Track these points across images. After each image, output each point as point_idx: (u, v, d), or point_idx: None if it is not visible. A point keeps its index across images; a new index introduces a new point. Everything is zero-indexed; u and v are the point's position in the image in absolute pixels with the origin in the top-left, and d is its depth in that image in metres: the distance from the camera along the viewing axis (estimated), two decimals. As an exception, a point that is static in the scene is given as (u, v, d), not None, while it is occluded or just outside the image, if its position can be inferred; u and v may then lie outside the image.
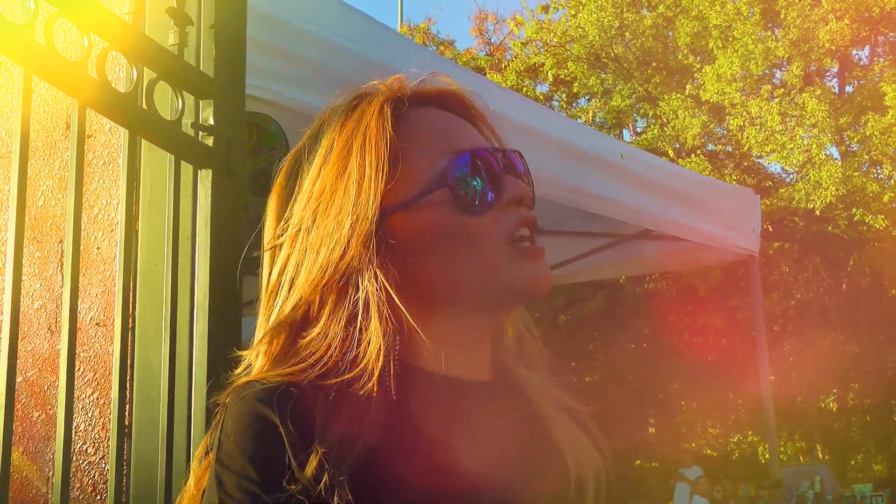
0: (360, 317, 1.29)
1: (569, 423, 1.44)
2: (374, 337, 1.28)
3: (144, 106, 2.17)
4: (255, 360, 1.36)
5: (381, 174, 1.31)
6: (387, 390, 1.26)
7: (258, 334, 1.37)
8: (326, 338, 1.30)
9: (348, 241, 1.30)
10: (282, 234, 1.37)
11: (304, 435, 1.20)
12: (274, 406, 1.22)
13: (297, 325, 1.33)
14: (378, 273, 1.29)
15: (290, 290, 1.34)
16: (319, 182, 1.35)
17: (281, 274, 1.36)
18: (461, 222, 1.33)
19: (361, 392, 1.25)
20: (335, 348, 1.29)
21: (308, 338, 1.32)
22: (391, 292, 1.29)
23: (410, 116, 1.39)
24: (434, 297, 1.35)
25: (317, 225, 1.33)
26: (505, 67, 26.72)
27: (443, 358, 1.34)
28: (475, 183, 1.35)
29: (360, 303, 1.29)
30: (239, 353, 1.40)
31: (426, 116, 1.41)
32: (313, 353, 1.29)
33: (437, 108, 1.44)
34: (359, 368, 1.27)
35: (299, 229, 1.35)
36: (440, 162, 1.35)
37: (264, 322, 1.36)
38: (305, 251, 1.34)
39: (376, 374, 1.26)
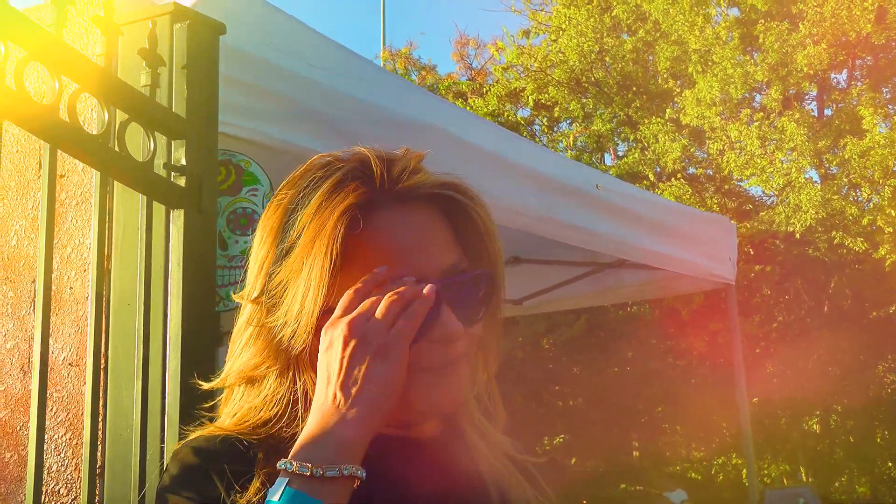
0: (298, 403, 1.39)
1: (505, 466, 1.54)
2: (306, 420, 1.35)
3: (116, 147, 2.19)
4: (220, 410, 1.47)
5: (323, 282, 1.34)
6: None
7: (223, 375, 1.45)
8: (265, 405, 1.41)
9: (294, 333, 1.36)
10: (256, 291, 1.43)
11: (235, 478, 1.30)
12: (209, 456, 1.34)
13: (247, 379, 1.42)
14: (310, 372, 1.38)
15: (242, 348, 1.42)
16: (286, 263, 1.39)
17: (243, 328, 1.44)
18: None
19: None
20: (275, 413, 1.40)
21: (252, 399, 1.42)
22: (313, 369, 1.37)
23: (375, 221, 1.38)
24: None
25: (277, 304, 1.39)
26: (486, 92, 26.75)
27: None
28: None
29: (298, 391, 1.39)
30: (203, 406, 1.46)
31: (388, 226, 1.39)
32: (258, 412, 1.40)
33: (407, 209, 1.41)
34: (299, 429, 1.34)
35: (265, 296, 1.41)
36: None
37: (227, 364, 1.45)
38: (263, 320, 1.41)
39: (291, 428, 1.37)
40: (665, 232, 5.99)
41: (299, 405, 1.38)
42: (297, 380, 1.39)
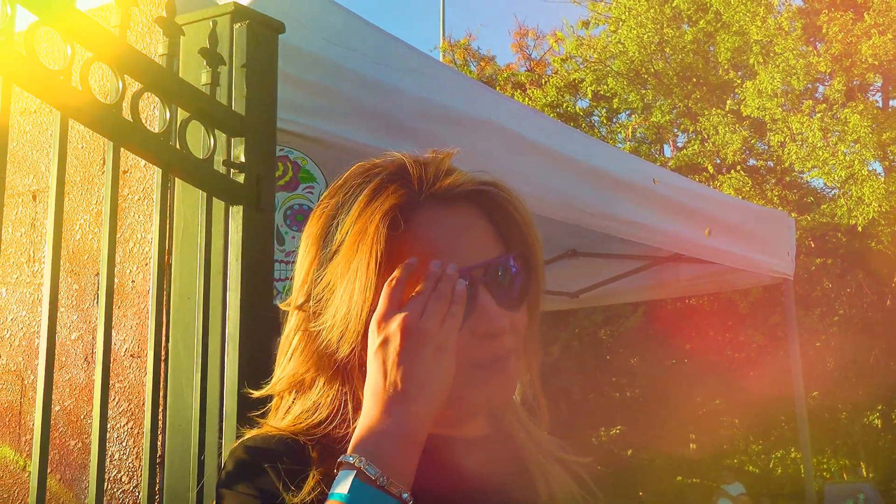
0: (348, 405, 1.42)
1: (551, 465, 1.54)
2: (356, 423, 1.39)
3: (177, 145, 2.23)
4: (270, 416, 1.51)
5: (370, 282, 1.38)
6: None
7: (272, 382, 1.50)
8: (318, 409, 1.44)
9: (342, 335, 1.40)
10: (302, 298, 1.47)
11: (291, 476, 1.33)
12: (265, 454, 1.38)
13: (297, 386, 1.46)
14: (359, 375, 1.41)
15: (290, 356, 1.47)
16: (331, 267, 1.43)
17: (290, 335, 1.48)
18: None
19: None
20: (327, 416, 1.43)
21: (304, 403, 1.45)
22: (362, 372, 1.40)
23: (415, 221, 1.41)
24: None
25: (323, 308, 1.43)
26: (545, 83, 26.66)
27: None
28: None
29: (348, 395, 1.43)
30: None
31: (429, 224, 1.42)
32: (311, 415, 1.44)
33: (446, 208, 1.44)
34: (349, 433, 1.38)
35: (311, 301, 1.45)
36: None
37: (277, 372, 1.49)
38: (309, 327, 1.45)
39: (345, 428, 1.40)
40: (722, 226, 5.95)
41: (349, 407, 1.41)
42: (346, 383, 1.43)
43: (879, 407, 21.61)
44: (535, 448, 1.55)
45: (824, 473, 22.38)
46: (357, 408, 1.38)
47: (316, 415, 1.43)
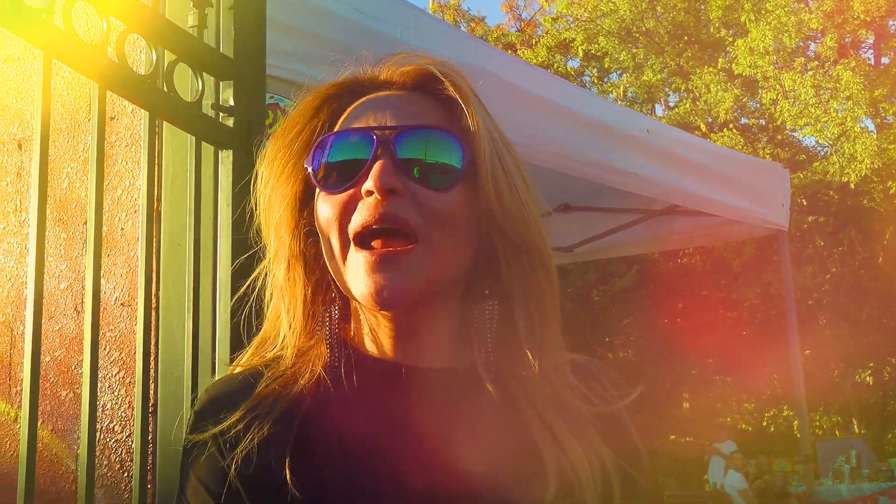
0: (283, 302, 1.41)
1: (557, 423, 1.32)
2: (286, 320, 1.39)
3: (165, 88, 2.19)
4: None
5: (298, 169, 1.39)
6: (317, 372, 1.35)
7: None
8: (273, 327, 1.43)
9: (280, 237, 1.40)
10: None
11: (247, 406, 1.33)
12: (226, 389, 1.40)
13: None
14: (297, 265, 1.40)
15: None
16: (270, 170, 1.42)
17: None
18: (322, 208, 1.34)
19: (301, 372, 1.36)
20: (273, 335, 1.43)
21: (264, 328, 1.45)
22: (307, 270, 1.40)
23: (351, 104, 1.40)
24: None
25: (267, 218, 1.43)
26: (536, 43, 26.58)
27: (379, 343, 1.37)
28: (327, 164, 1.34)
29: (282, 291, 1.41)
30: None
31: (362, 103, 1.39)
32: (267, 341, 1.44)
33: (384, 92, 1.40)
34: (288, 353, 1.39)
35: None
36: None
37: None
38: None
39: (289, 353, 1.38)
40: (717, 178, 5.94)
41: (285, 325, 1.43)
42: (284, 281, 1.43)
43: (871, 364, 21.74)
44: (531, 394, 1.34)
45: (816, 430, 22.50)
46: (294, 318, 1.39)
47: (273, 340, 1.43)
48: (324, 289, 1.41)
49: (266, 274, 1.43)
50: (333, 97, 1.41)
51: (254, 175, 1.43)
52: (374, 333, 1.36)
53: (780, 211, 6.66)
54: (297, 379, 1.34)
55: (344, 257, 1.31)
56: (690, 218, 6.74)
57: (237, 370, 1.43)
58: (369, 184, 1.26)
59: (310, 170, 1.34)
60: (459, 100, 1.33)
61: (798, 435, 22.50)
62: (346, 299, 1.38)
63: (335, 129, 1.38)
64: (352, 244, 1.30)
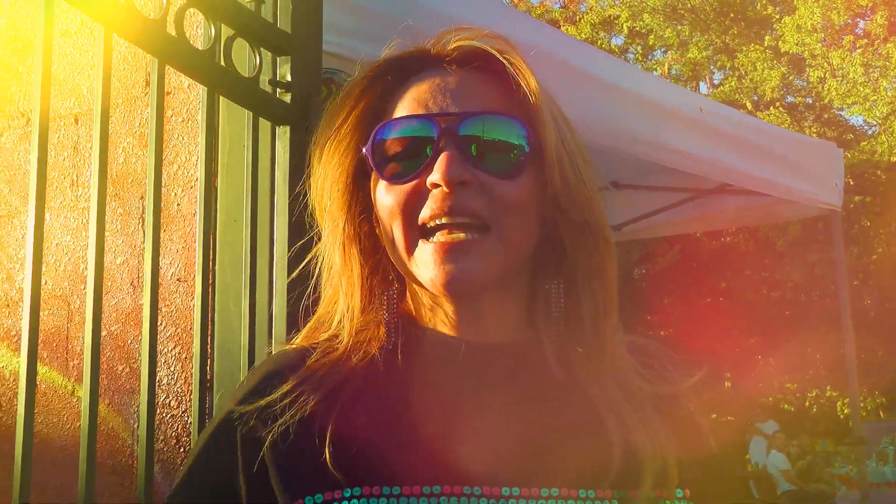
0: (341, 285, 1.38)
1: (619, 400, 1.30)
2: (344, 302, 1.37)
3: (222, 63, 2.18)
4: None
5: (351, 151, 1.35)
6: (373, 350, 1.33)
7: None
8: (329, 309, 1.41)
9: (334, 219, 1.37)
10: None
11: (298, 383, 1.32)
12: (274, 366, 1.38)
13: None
14: (351, 247, 1.37)
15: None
16: (323, 151, 1.39)
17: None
18: (384, 197, 1.31)
19: (355, 351, 1.34)
20: (330, 317, 1.40)
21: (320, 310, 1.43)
22: (363, 251, 1.37)
23: (408, 79, 1.35)
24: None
25: (320, 199, 1.40)
26: (579, 20, 26.42)
27: (440, 321, 1.35)
28: (388, 153, 1.30)
29: (339, 273, 1.39)
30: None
31: (419, 81, 1.34)
32: (323, 323, 1.41)
33: (443, 69, 1.34)
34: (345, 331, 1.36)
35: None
36: None
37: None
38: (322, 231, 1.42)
39: (345, 337, 1.35)
40: (770, 157, 5.86)
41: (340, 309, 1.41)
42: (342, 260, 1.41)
43: (918, 345, 21.53)
44: (594, 373, 1.31)
45: (861, 412, 22.35)
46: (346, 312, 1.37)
47: (330, 319, 1.41)
48: (381, 269, 1.38)
49: (321, 255, 1.41)
50: (387, 73, 1.36)
51: (308, 156, 1.41)
52: (436, 311, 1.35)
53: (834, 191, 6.58)
54: (350, 357, 1.33)
55: (409, 247, 1.28)
56: (741, 197, 6.66)
57: (290, 347, 1.42)
58: (436, 176, 1.23)
59: (369, 158, 1.31)
60: (520, 79, 1.28)
61: (841, 416, 22.45)
62: (402, 278, 1.37)
63: (393, 112, 1.33)
64: (419, 234, 1.27)
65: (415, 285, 1.34)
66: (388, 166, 1.30)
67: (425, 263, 1.26)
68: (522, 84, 1.28)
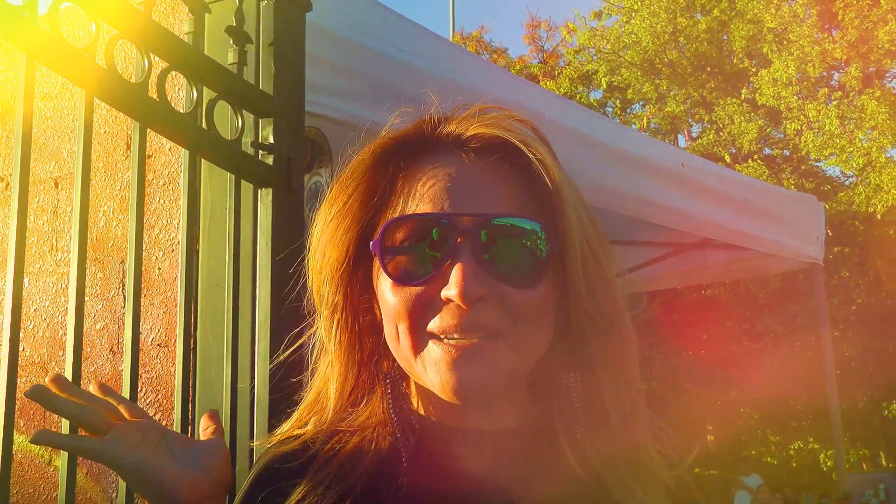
0: (334, 373, 1.34)
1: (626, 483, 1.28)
2: (338, 392, 1.33)
3: (204, 125, 2.16)
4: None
5: (353, 233, 1.30)
6: (374, 439, 1.29)
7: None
8: (320, 393, 1.37)
9: (331, 302, 1.33)
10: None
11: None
12: (276, 471, 1.30)
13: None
14: (347, 332, 1.33)
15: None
16: (324, 230, 1.33)
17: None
18: (390, 296, 1.24)
19: (353, 441, 1.30)
20: (325, 404, 1.35)
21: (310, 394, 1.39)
22: (363, 336, 1.33)
23: (420, 162, 1.28)
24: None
25: (317, 278, 1.35)
26: (558, 74, 26.64)
27: (443, 411, 1.30)
28: (398, 250, 1.24)
29: (334, 361, 1.34)
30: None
31: (432, 165, 1.27)
32: (314, 407, 1.37)
33: (458, 155, 1.27)
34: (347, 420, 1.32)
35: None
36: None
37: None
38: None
39: (329, 412, 1.32)
40: (752, 211, 5.87)
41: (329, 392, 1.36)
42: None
43: (899, 395, 21.55)
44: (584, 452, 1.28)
45: (844, 464, 22.32)
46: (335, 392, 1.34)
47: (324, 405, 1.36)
48: (380, 353, 1.34)
49: (315, 336, 1.37)
50: (397, 153, 1.29)
51: (307, 233, 1.36)
52: (439, 403, 1.28)
53: (816, 244, 6.59)
54: (359, 457, 1.27)
55: (415, 349, 1.23)
56: (723, 252, 6.67)
57: (284, 443, 1.34)
58: (452, 292, 1.17)
59: (377, 255, 1.25)
60: (544, 175, 1.22)
61: (823, 468, 22.41)
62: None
63: (402, 200, 1.26)
64: (427, 336, 1.22)
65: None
66: (396, 265, 1.23)
67: (433, 365, 1.21)
68: (545, 179, 1.21)
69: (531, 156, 1.22)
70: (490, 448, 1.29)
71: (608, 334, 1.26)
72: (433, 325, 1.20)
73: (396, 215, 1.25)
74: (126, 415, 1.40)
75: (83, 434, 1.38)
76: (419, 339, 1.22)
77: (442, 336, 1.20)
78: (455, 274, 1.17)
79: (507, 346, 1.20)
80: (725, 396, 23.15)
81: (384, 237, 1.24)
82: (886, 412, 21.77)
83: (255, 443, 1.40)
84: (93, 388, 1.42)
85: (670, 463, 1.33)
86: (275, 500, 1.26)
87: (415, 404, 1.33)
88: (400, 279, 1.23)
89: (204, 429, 1.44)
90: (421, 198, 1.24)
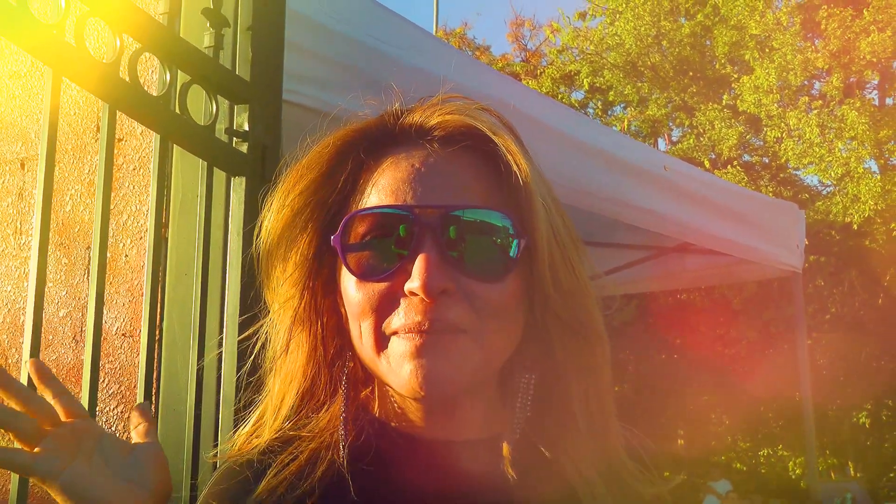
0: (290, 375, 1.28)
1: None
2: (293, 395, 1.27)
3: (177, 110, 2.09)
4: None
5: (313, 228, 1.24)
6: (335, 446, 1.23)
7: None
8: (278, 398, 1.30)
9: (289, 297, 1.26)
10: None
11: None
12: (231, 490, 1.24)
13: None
14: (305, 330, 1.27)
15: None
16: (277, 218, 1.26)
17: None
18: (353, 293, 1.19)
19: (310, 447, 1.24)
20: (280, 409, 1.28)
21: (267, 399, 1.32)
22: (324, 340, 1.27)
23: (382, 154, 1.23)
24: None
25: (269, 272, 1.29)
26: (540, 74, 26.63)
27: (406, 417, 1.25)
28: (360, 245, 1.18)
29: (289, 361, 1.28)
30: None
31: (395, 158, 1.22)
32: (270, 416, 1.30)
33: (421, 146, 1.22)
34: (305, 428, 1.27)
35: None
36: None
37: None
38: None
39: (303, 442, 1.25)
40: (733, 217, 5.84)
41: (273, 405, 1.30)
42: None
43: (868, 406, 21.64)
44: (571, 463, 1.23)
45: (816, 473, 22.41)
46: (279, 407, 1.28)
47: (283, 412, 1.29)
48: (343, 356, 1.27)
49: (268, 334, 1.29)
50: (359, 145, 1.24)
51: (258, 225, 1.28)
52: (402, 407, 1.24)
53: (795, 252, 6.57)
54: (315, 464, 1.21)
55: (378, 347, 1.17)
56: (701, 257, 6.65)
57: (236, 458, 1.28)
58: (414, 284, 1.12)
59: (338, 249, 1.19)
60: (512, 164, 1.17)
61: (792, 475, 22.50)
62: (361, 365, 1.26)
63: (364, 192, 1.21)
64: (390, 334, 1.16)
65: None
66: (358, 261, 1.18)
67: (396, 362, 1.15)
68: (514, 170, 1.17)
69: (498, 143, 1.18)
70: (455, 460, 1.22)
71: (577, 336, 1.22)
72: (397, 322, 1.15)
73: (359, 209, 1.20)
74: (62, 413, 1.25)
75: (12, 447, 1.22)
76: (382, 337, 1.17)
77: (406, 333, 1.14)
78: (418, 266, 1.12)
79: (472, 342, 1.15)
80: (697, 401, 23.22)
81: (345, 232, 1.18)
82: (855, 419, 21.88)
83: (210, 456, 1.30)
84: (31, 369, 1.28)
85: (649, 479, 1.28)
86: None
87: (377, 412, 1.27)
88: (363, 275, 1.17)
89: (135, 426, 1.30)
90: (383, 190, 1.19)
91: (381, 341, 1.16)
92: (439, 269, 1.12)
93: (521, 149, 1.20)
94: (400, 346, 1.14)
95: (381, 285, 1.16)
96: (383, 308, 1.16)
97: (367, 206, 1.19)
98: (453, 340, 1.14)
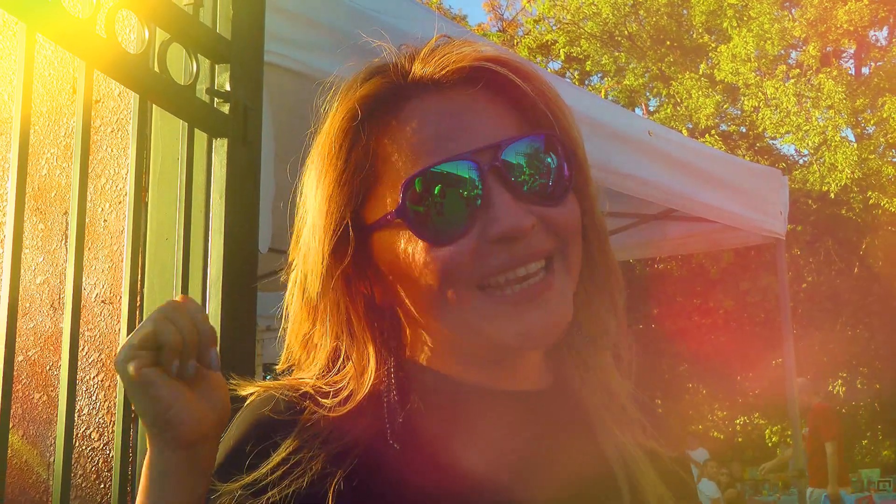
0: (344, 333, 1.21)
1: (632, 450, 1.24)
2: (330, 340, 1.21)
3: (157, 69, 2.03)
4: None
5: (339, 194, 1.16)
6: (381, 399, 1.18)
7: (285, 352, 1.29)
8: (323, 351, 1.22)
9: (310, 273, 1.20)
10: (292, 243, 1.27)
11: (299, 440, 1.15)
12: (273, 416, 1.17)
13: (305, 345, 1.25)
14: (349, 292, 1.20)
15: (296, 302, 1.24)
16: (303, 191, 1.23)
17: (293, 284, 1.25)
18: (423, 258, 1.13)
19: (357, 402, 1.17)
20: (332, 361, 1.22)
21: (312, 353, 1.24)
22: (357, 312, 1.20)
23: (402, 114, 1.17)
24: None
25: (303, 239, 1.22)
26: (517, 44, 26.54)
27: (453, 365, 1.21)
28: (432, 211, 1.12)
29: (342, 345, 1.22)
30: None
31: (415, 118, 1.16)
32: (317, 364, 1.23)
33: (439, 94, 1.17)
34: (349, 379, 1.20)
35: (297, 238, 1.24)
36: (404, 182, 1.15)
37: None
38: (296, 265, 1.24)
39: (349, 385, 1.19)
40: (717, 183, 5.80)
41: (342, 360, 1.21)
42: (333, 330, 1.21)
43: (843, 374, 21.81)
44: (614, 414, 1.26)
45: (787, 440, 22.57)
46: (353, 358, 1.20)
47: (325, 364, 1.22)
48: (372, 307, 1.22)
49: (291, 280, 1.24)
50: (370, 109, 1.17)
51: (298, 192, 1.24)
52: (453, 356, 1.21)
53: (779, 219, 6.54)
54: (355, 417, 1.15)
55: (462, 304, 1.12)
56: (685, 224, 6.61)
57: (277, 390, 1.21)
58: (502, 227, 1.09)
59: (407, 224, 1.13)
60: (534, 94, 1.16)
61: (769, 443, 22.67)
62: (397, 318, 1.22)
63: (394, 156, 1.15)
64: (476, 289, 1.12)
65: (416, 322, 1.20)
66: (426, 226, 1.12)
67: (491, 317, 1.12)
68: (547, 96, 1.17)
69: (521, 77, 1.17)
70: (511, 411, 1.21)
71: (600, 269, 1.23)
72: (488, 270, 1.12)
73: (403, 175, 1.14)
74: None
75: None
76: (465, 291, 1.12)
77: (502, 278, 1.12)
78: (499, 209, 1.10)
79: (562, 273, 1.14)
80: (675, 370, 23.35)
81: (406, 199, 1.12)
82: (830, 389, 22.07)
83: (251, 388, 1.22)
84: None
85: (669, 443, 1.30)
86: (267, 452, 1.13)
87: (408, 351, 1.23)
88: (436, 239, 1.12)
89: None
90: (421, 148, 1.14)
91: (465, 296, 1.12)
92: (518, 206, 1.10)
93: (535, 70, 1.20)
94: (493, 301, 1.12)
95: (459, 243, 1.11)
96: (463, 263, 1.11)
97: (414, 170, 1.13)
98: (549, 282, 1.13)
